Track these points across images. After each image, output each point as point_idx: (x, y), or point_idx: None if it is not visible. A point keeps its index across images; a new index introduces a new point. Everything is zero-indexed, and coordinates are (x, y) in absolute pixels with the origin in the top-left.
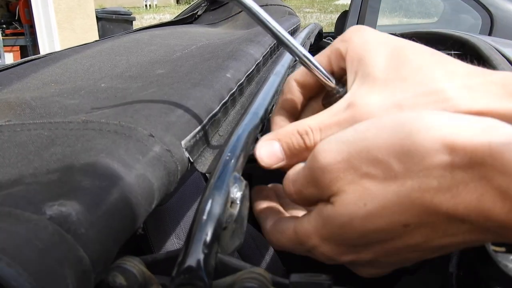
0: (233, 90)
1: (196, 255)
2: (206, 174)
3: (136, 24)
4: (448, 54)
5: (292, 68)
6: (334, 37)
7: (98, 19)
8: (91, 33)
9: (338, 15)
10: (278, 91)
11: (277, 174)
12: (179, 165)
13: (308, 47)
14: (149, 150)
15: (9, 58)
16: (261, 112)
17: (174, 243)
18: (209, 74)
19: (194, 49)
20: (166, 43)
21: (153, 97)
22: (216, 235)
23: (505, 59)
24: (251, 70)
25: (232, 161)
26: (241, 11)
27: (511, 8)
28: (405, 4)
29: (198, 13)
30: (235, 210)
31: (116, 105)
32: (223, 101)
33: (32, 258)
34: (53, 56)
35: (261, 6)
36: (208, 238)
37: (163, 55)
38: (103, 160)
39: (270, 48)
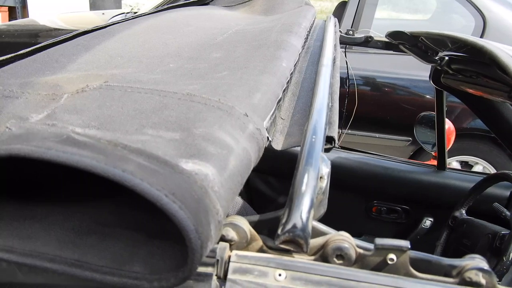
0: (288, 79)
1: (297, 219)
2: None
3: None
4: (451, 56)
5: (333, 61)
6: None
7: None
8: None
9: (327, 3)
10: (331, 82)
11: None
12: (264, 142)
13: (338, 39)
14: (246, 127)
15: None
16: (325, 101)
17: None
18: (269, 63)
19: (232, 34)
20: (202, 25)
21: (231, 79)
22: (312, 203)
23: None
24: (297, 60)
25: (318, 142)
26: None
27: (504, 12)
28: None
29: None
30: (324, 184)
31: (201, 83)
32: (284, 88)
33: (193, 206)
34: (105, 31)
35: None
36: (307, 205)
37: (204, 37)
38: (218, 132)
39: (304, 39)
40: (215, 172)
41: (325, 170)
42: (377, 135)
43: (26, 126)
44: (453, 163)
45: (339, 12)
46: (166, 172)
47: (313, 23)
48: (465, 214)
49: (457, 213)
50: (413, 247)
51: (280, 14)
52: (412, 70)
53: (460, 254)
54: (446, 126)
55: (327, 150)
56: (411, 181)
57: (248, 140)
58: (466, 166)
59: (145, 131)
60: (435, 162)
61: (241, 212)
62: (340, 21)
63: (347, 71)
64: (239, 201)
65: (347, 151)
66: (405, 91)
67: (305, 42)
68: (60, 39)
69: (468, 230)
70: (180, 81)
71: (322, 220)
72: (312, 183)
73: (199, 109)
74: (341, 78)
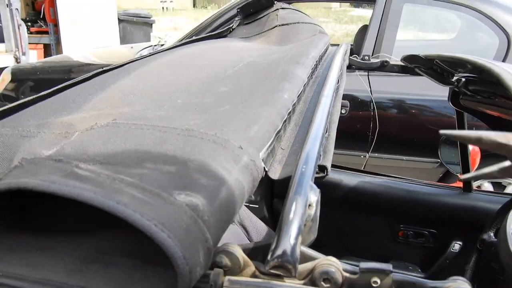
0: (290, 110)
1: (286, 245)
2: None
3: (155, 27)
4: (467, 77)
5: (336, 91)
6: (352, 51)
7: (120, 20)
8: (113, 34)
9: (353, 25)
10: (330, 111)
11: None
12: (259, 173)
13: (345, 68)
14: (240, 159)
15: (33, 56)
16: (321, 131)
17: None
18: (271, 95)
19: (242, 66)
20: (215, 58)
21: (231, 113)
22: (300, 230)
23: None
24: (301, 91)
25: (308, 171)
26: (274, 27)
27: None
28: (421, 19)
29: (233, 27)
30: (312, 212)
31: (202, 118)
32: (284, 119)
33: (181, 234)
34: (122, 69)
35: (292, 23)
36: (295, 232)
37: (216, 71)
38: (211, 164)
39: (312, 69)
40: (205, 202)
41: (314, 198)
42: (404, 157)
43: (35, 162)
44: (485, 184)
45: (360, 36)
46: (157, 203)
47: (326, 51)
48: (493, 237)
49: (485, 236)
50: (442, 272)
51: (294, 44)
52: (439, 91)
53: (489, 278)
54: (470, 148)
55: (319, 179)
56: (437, 204)
57: (242, 171)
58: (499, 187)
59: (144, 165)
60: (461, 184)
61: (265, 238)
62: (362, 44)
63: (371, 94)
64: (264, 227)
65: (370, 175)
66: (432, 112)
67: (313, 72)
68: (79, 79)
69: (496, 253)
70: (184, 116)
71: (349, 245)
72: (300, 211)
73: (196, 143)
74: (365, 102)
